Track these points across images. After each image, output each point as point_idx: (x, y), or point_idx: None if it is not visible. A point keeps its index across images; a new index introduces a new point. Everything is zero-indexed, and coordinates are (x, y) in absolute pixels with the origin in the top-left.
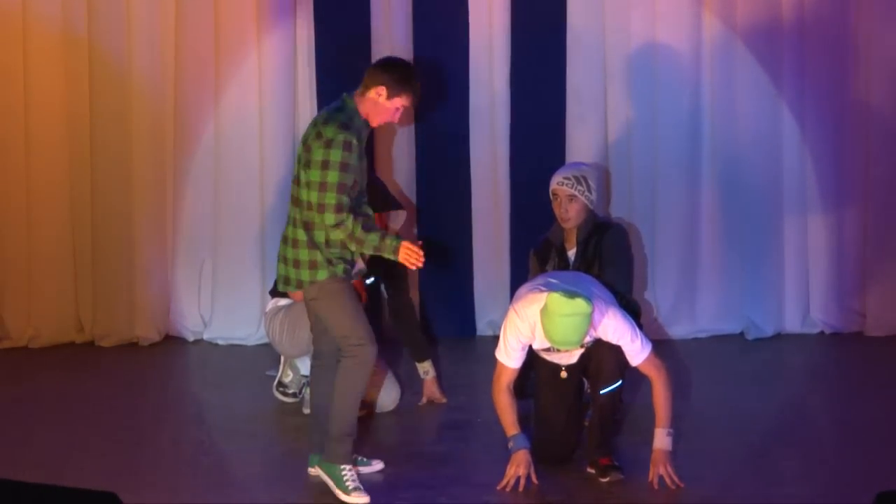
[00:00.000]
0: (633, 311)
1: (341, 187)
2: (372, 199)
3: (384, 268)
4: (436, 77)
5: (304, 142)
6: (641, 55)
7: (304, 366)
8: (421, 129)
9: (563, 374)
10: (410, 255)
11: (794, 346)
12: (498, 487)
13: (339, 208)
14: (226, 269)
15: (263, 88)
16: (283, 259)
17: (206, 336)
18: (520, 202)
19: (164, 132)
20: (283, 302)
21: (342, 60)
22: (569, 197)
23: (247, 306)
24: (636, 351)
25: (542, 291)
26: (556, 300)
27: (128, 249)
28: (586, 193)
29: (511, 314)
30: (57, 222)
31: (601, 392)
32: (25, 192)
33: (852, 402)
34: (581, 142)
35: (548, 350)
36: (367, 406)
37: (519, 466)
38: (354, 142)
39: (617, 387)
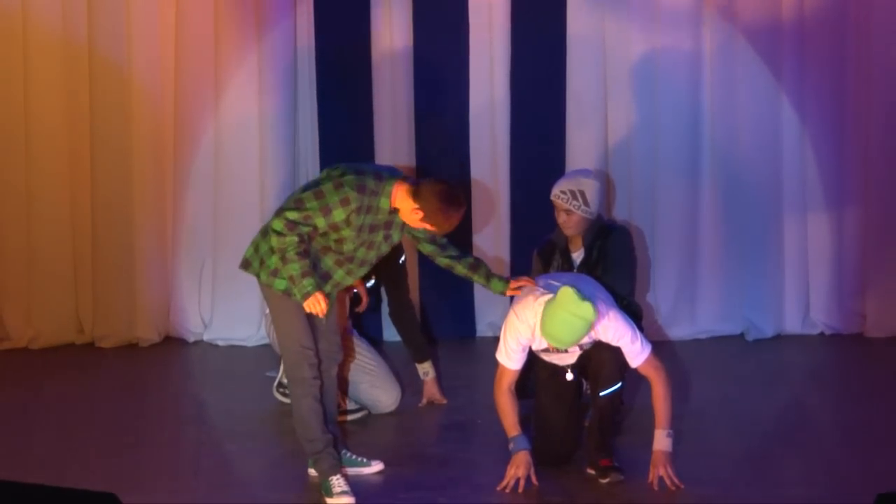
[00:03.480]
0: (635, 313)
1: (307, 217)
2: None
3: (385, 269)
4: (436, 79)
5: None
6: (642, 58)
7: None
8: (421, 131)
9: (570, 377)
10: (315, 307)
11: (795, 348)
12: (498, 488)
13: (291, 226)
14: (226, 270)
15: (263, 90)
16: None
17: (206, 337)
18: (519, 204)
19: (165, 133)
20: None
21: (342, 62)
22: (565, 210)
23: (247, 307)
24: (636, 352)
25: (542, 294)
26: (568, 295)
27: (128, 251)
28: (582, 207)
29: (511, 316)
30: (57, 223)
31: (601, 394)
32: (26, 193)
33: (852, 403)
34: (581, 144)
35: (546, 351)
36: (364, 407)
37: (519, 468)
38: (353, 205)
39: (616, 389)
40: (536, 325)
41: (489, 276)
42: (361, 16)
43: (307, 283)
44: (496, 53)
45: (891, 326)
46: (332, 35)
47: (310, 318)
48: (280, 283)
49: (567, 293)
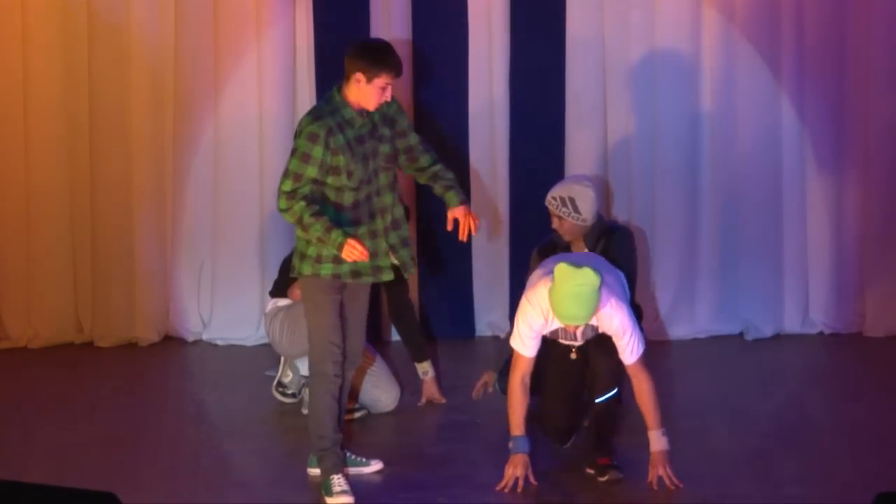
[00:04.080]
0: (636, 314)
1: (297, 176)
2: None
3: None
4: (435, 78)
5: None
6: (641, 57)
7: (304, 366)
8: (420, 131)
9: (574, 356)
10: (353, 252)
11: (794, 347)
12: (497, 488)
13: (291, 195)
14: (225, 270)
15: (263, 89)
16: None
17: (205, 336)
18: (519, 203)
19: (164, 133)
20: (282, 302)
21: (341, 61)
22: (557, 216)
23: (246, 306)
24: (632, 350)
25: (551, 278)
26: (563, 269)
27: (127, 250)
28: (572, 214)
29: (523, 302)
30: (56, 223)
31: (597, 401)
32: (25, 193)
33: (851, 402)
34: (580, 143)
35: (555, 333)
36: (364, 406)
37: (517, 468)
38: (321, 133)
39: (612, 395)
40: (549, 310)
41: (446, 187)
42: (360, 15)
43: (335, 235)
44: (495, 54)
45: (890, 326)
46: (331, 34)
47: (342, 311)
48: (306, 268)
49: (562, 269)
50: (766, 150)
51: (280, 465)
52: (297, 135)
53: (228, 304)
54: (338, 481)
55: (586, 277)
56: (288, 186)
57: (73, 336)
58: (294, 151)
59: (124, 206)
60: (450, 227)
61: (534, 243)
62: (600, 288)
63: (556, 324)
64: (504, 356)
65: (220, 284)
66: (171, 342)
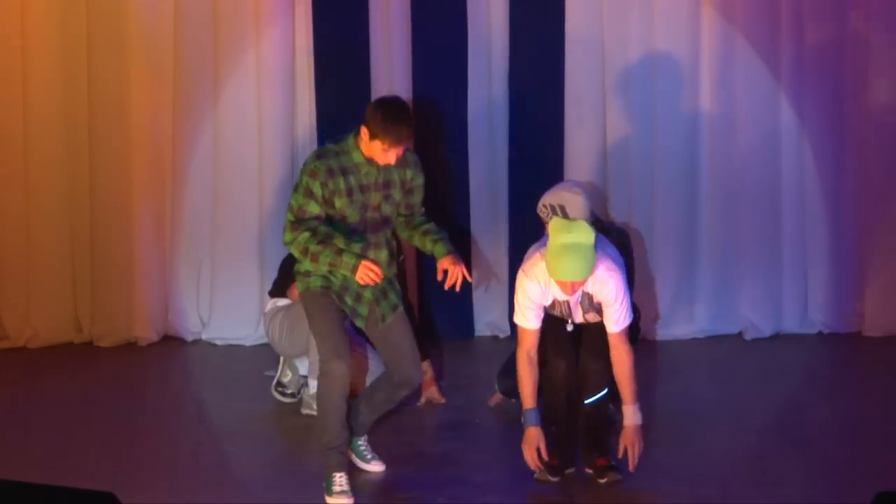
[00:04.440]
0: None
1: (300, 210)
2: None
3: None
4: (434, 79)
5: None
6: (640, 57)
7: (303, 366)
8: (420, 132)
9: (569, 328)
10: (368, 274)
11: (793, 347)
12: (534, 470)
13: (294, 227)
14: (224, 270)
15: (262, 89)
16: None
17: (204, 336)
18: (518, 204)
19: (163, 132)
20: (282, 302)
21: (340, 62)
22: (547, 222)
23: (245, 306)
24: (620, 319)
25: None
26: (556, 224)
27: (126, 250)
28: None
29: (519, 275)
30: (56, 222)
31: (586, 402)
32: (24, 192)
33: (850, 402)
34: (580, 144)
35: (552, 307)
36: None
37: (531, 445)
38: (321, 172)
39: (602, 395)
40: (545, 281)
41: (435, 241)
42: (359, 14)
43: (346, 258)
44: (495, 54)
45: (889, 325)
46: (330, 33)
47: (386, 340)
48: (313, 281)
49: (554, 224)
50: (765, 151)
51: (279, 464)
52: (301, 169)
53: (227, 304)
54: (339, 480)
55: (580, 230)
56: (291, 217)
57: (73, 336)
58: (297, 186)
59: (123, 206)
60: (439, 277)
61: (532, 243)
62: (595, 246)
63: (552, 294)
64: (503, 357)
65: (220, 284)
66: (171, 342)
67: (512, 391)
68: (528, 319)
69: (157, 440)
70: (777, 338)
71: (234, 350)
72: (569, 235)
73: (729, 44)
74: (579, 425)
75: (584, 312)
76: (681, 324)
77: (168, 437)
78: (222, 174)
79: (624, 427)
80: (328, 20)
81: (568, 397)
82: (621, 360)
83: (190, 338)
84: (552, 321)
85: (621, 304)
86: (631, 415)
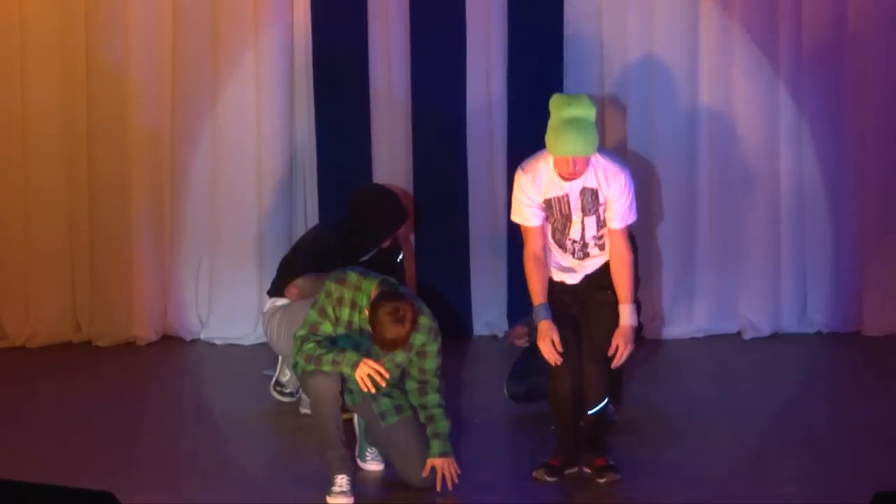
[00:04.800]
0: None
1: (313, 327)
2: (392, 213)
3: (380, 269)
4: (433, 79)
5: None
6: (639, 56)
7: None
8: (418, 132)
9: (572, 278)
10: (372, 375)
11: (792, 346)
12: (552, 362)
13: (303, 340)
14: (223, 269)
15: (261, 88)
16: None
17: (203, 336)
18: None
19: (162, 132)
20: (280, 302)
21: (339, 61)
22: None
23: (244, 306)
24: (623, 216)
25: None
26: (557, 100)
27: (125, 249)
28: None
29: (517, 173)
30: (54, 222)
31: (588, 413)
32: (23, 192)
33: (850, 401)
34: None
35: (549, 205)
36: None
37: (546, 338)
38: (334, 295)
39: (603, 405)
40: (540, 171)
41: (433, 434)
42: (358, 15)
43: (350, 354)
44: (493, 53)
45: (888, 325)
46: (329, 34)
47: (392, 438)
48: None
49: (554, 100)
50: (765, 150)
51: (278, 463)
52: (324, 286)
53: (226, 304)
54: (340, 481)
55: (582, 103)
56: (302, 332)
57: (71, 335)
58: (315, 303)
59: (122, 205)
60: (425, 474)
61: None
62: (595, 122)
63: (548, 188)
64: (502, 357)
65: (218, 284)
66: (169, 341)
67: (520, 396)
68: (526, 217)
69: (156, 440)
70: (776, 337)
71: (232, 349)
72: (570, 109)
73: (728, 43)
74: (580, 427)
75: (585, 215)
76: (680, 323)
77: (167, 437)
78: (221, 174)
79: (620, 325)
80: (327, 22)
81: (573, 408)
82: (622, 258)
83: (189, 337)
84: (559, 324)
85: (627, 199)
86: (628, 314)
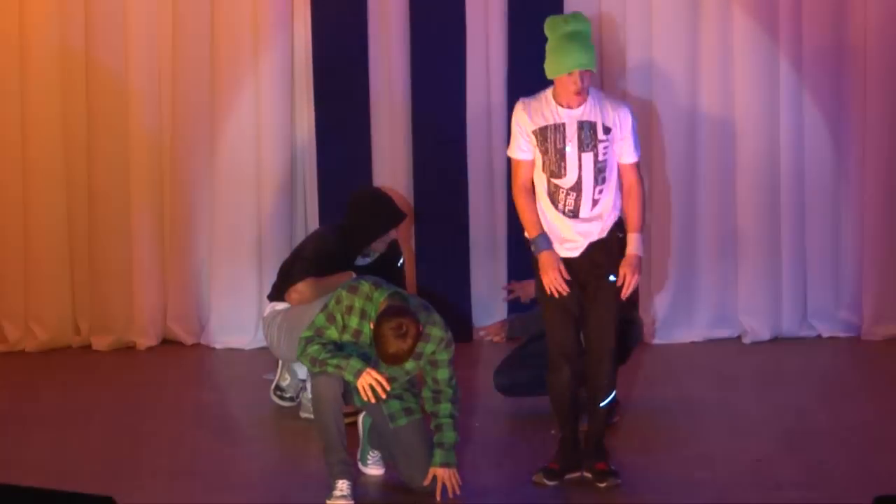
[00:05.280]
0: (633, 301)
1: (318, 330)
2: (386, 214)
3: (382, 273)
4: (433, 83)
5: None
6: (638, 57)
7: (302, 370)
8: (418, 134)
9: (574, 228)
10: (374, 386)
11: (792, 350)
12: (550, 292)
13: (308, 341)
14: (223, 273)
15: (261, 93)
16: None
17: (203, 340)
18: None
19: (162, 137)
20: (280, 306)
21: (339, 66)
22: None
23: (244, 310)
24: (631, 149)
25: None
26: (552, 20)
27: (125, 254)
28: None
29: (516, 105)
30: (54, 226)
31: (601, 405)
32: (22, 196)
33: (849, 406)
34: None
35: (545, 133)
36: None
37: (550, 269)
38: (343, 303)
39: (612, 398)
40: (532, 104)
41: (438, 443)
42: (358, 18)
43: (354, 361)
44: (493, 56)
45: (888, 329)
46: (329, 38)
47: (399, 438)
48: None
49: (549, 22)
50: (764, 154)
51: (278, 468)
52: (335, 293)
53: (226, 308)
54: (341, 486)
55: (578, 19)
56: (307, 334)
57: (71, 339)
58: (324, 308)
59: (122, 209)
60: (427, 482)
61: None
62: (590, 33)
63: (542, 116)
64: (502, 357)
65: (218, 288)
66: (169, 346)
67: (505, 388)
68: (518, 149)
69: (156, 444)
70: (776, 341)
71: (232, 354)
72: (568, 25)
73: (727, 44)
74: (583, 430)
75: (581, 150)
76: (680, 328)
77: (167, 441)
78: (221, 179)
79: (627, 254)
80: (327, 27)
81: (572, 402)
82: (632, 189)
83: (189, 341)
84: (558, 314)
85: (632, 133)
86: (635, 243)
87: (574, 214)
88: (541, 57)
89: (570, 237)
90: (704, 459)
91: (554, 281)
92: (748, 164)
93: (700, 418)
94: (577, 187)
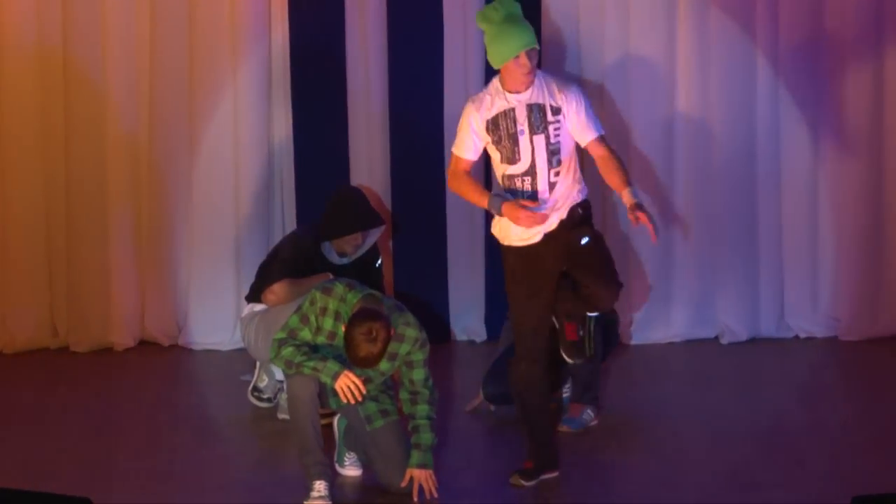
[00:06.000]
0: (611, 319)
1: (292, 332)
2: (355, 214)
3: (360, 274)
4: (410, 85)
5: None
6: (616, 59)
7: (279, 371)
8: (396, 135)
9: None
10: (351, 388)
11: (769, 351)
12: (533, 226)
13: (281, 343)
14: (201, 275)
15: (238, 95)
16: None
17: (180, 341)
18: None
19: (139, 138)
20: (258, 307)
21: (317, 68)
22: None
23: (222, 311)
24: (592, 123)
25: None
26: (483, 12)
27: (102, 255)
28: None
29: (465, 106)
30: (31, 228)
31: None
32: None
33: (827, 406)
34: None
35: (496, 123)
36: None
37: (518, 210)
38: (318, 305)
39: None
40: (484, 99)
41: (415, 444)
42: (336, 21)
43: (331, 364)
44: (470, 56)
45: (865, 330)
46: (307, 40)
47: (377, 440)
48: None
49: (480, 14)
50: (742, 153)
51: (256, 469)
52: (308, 295)
53: (204, 309)
54: (318, 486)
55: (507, 3)
56: (281, 336)
57: (49, 341)
58: (298, 309)
59: (99, 211)
60: (404, 484)
61: None
62: (521, 13)
63: (493, 106)
64: (481, 362)
65: (196, 289)
66: (147, 347)
67: (496, 398)
68: (464, 146)
69: (134, 445)
70: (754, 342)
71: (210, 355)
72: (499, 11)
73: (704, 46)
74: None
75: (532, 133)
76: (657, 328)
77: (144, 442)
78: (199, 180)
79: (627, 204)
80: (305, 28)
81: (541, 399)
82: (606, 158)
83: (167, 343)
84: (525, 261)
85: (585, 110)
86: (629, 195)
87: (532, 199)
88: None
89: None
90: (682, 460)
91: (527, 218)
92: (725, 164)
93: (678, 419)
94: (531, 171)
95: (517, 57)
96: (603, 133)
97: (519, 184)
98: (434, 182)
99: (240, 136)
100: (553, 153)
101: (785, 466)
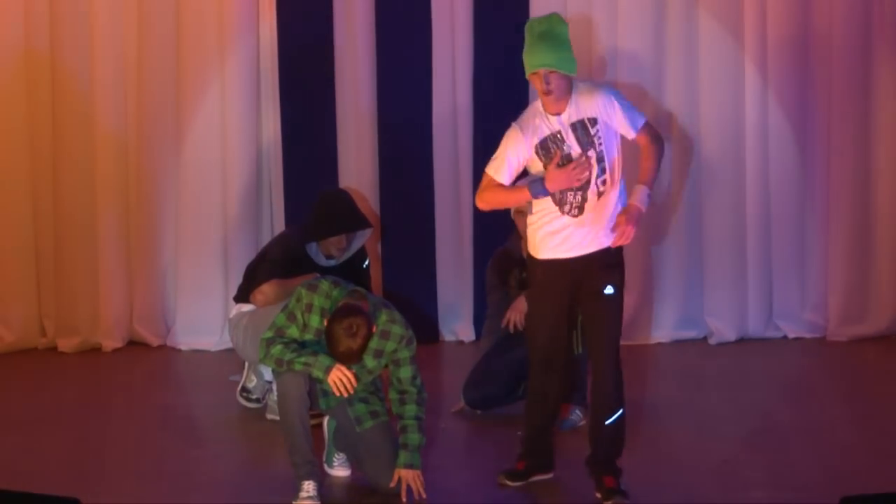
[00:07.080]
0: None
1: (279, 330)
2: (339, 217)
3: (348, 274)
4: (399, 86)
5: None
6: (604, 58)
7: (268, 371)
8: (384, 135)
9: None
10: (342, 381)
11: (758, 351)
12: (585, 174)
13: (269, 342)
14: (189, 275)
15: (226, 95)
16: None
17: (169, 341)
18: (482, 211)
19: (127, 138)
20: (246, 308)
21: (305, 69)
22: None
23: (210, 312)
24: (629, 122)
25: None
26: (532, 22)
27: (91, 256)
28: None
29: (511, 126)
30: (19, 228)
31: (606, 423)
32: None
33: (816, 406)
34: None
35: (546, 146)
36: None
37: (562, 174)
38: (304, 302)
39: (620, 415)
40: (528, 122)
41: (402, 444)
42: (324, 20)
43: (322, 358)
44: (458, 57)
45: (853, 330)
46: (295, 39)
47: (366, 441)
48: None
49: (529, 23)
50: (730, 154)
51: (244, 469)
52: (294, 293)
53: (192, 310)
54: (307, 487)
55: (553, 19)
56: (268, 335)
57: (37, 341)
58: (285, 307)
59: (88, 211)
60: (393, 484)
61: (497, 249)
62: (568, 41)
63: (539, 130)
64: (468, 363)
65: (184, 289)
66: (135, 347)
67: (477, 402)
68: (502, 172)
69: (122, 445)
70: (742, 342)
71: (198, 355)
72: (540, 26)
73: (693, 44)
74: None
75: (584, 151)
76: (646, 328)
77: (133, 442)
78: (187, 180)
79: (628, 204)
80: (293, 28)
81: (554, 407)
82: (647, 147)
83: (155, 343)
84: (551, 332)
85: (619, 105)
86: (639, 195)
87: (580, 211)
88: (506, 58)
89: (573, 238)
90: (670, 460)
91: (576, 172)
92: (713, 165)
93: (666, 419)
94: (583, 185)
95: (534, 73)
96: (643, 122)
97: (570, 197)
98: (423, 182)
99: (228, 137)
100: (599, 160)
101: (773, 467)
